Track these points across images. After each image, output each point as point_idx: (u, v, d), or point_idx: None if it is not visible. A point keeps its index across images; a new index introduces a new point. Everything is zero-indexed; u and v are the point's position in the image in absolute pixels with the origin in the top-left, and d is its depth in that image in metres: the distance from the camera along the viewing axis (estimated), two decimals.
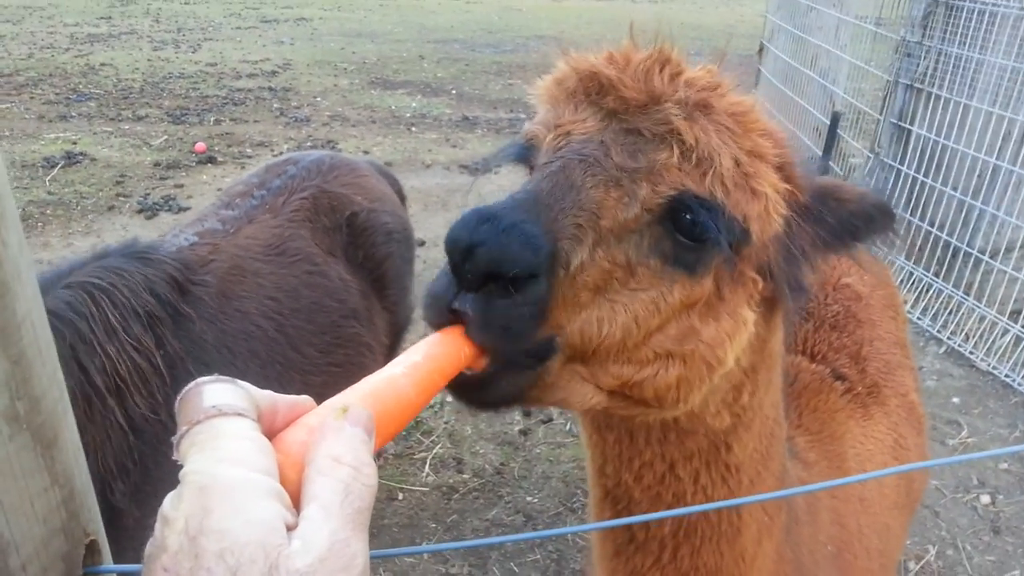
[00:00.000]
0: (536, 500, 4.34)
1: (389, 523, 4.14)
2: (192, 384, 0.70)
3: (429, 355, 0.95)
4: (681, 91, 1.14)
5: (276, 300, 2.88)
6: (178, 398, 0.70)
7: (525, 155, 1.29)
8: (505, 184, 9.19)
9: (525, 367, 1.05)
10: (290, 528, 0.61)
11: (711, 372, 1.18)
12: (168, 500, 0.62)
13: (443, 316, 1.01)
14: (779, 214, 1.19)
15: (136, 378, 2.33)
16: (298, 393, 0.78)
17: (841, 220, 1.30)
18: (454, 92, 13.73)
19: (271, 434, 0.72)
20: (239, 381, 0.72)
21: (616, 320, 1.07)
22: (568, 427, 4.92)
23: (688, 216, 1.10)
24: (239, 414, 0.67)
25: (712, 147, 1.11)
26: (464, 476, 4.50)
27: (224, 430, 0.65)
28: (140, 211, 7.80)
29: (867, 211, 1.31)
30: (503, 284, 0.98)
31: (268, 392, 0.74)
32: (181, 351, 2.52)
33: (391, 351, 3.61)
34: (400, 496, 4.33)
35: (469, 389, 1.06)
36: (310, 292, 2.99)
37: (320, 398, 0.79)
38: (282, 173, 3.35)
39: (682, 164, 1.10)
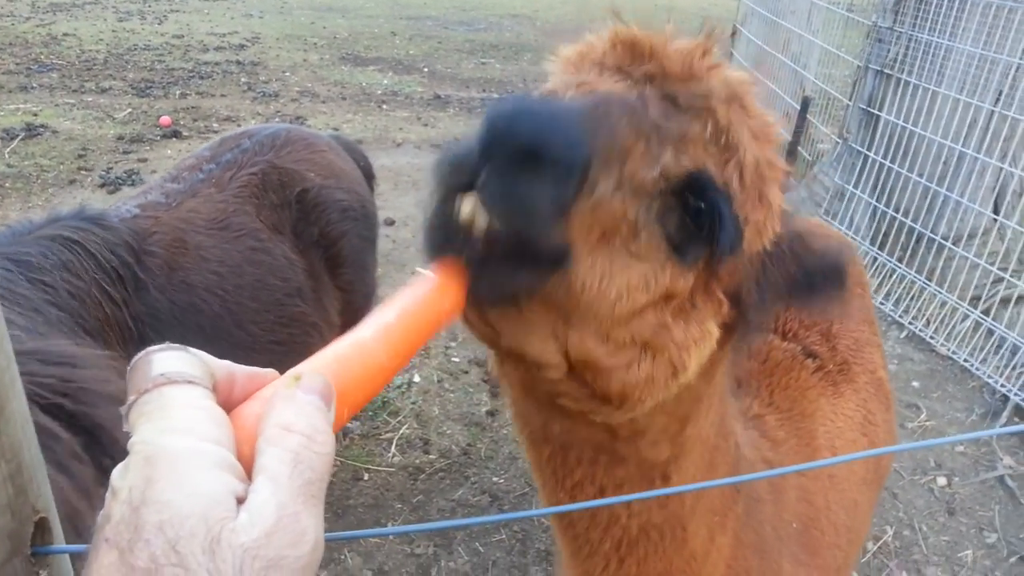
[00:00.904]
0: (502, 480, 4.35)
1: (354, 503, 4.13)
2: (142, 353, 0.67)
3: (404, 312, 0.88)
4: (721, 78, 1.12)
5: (219, 275, 2.84)
6: (128, 368, 0.67)
7: None
8: None
9: (530, 263, 0.95)
10: (242, 502, 0.59)
11: (675, 376, 1.14)
12: (116, 470, 0.60)
13: (460, 177, 0.91)
14: (772, 231, 1.17)
15: (117, 332, 2.37)
16: None
17: (803, 267, 1.27)
18: (426, 70, 13.59)
19: (228, 406, 0.69)
20: (192, 349, 0.69)
21: (613, 279, 1.02)
22: None
23: (698, 198, 1.07)
24: (190, 382, 0.65)
25: (741, 138, 1.09)
26: (431, 457, 4.49)
27: (173, 399, 0.63)
28: (102, 185, 7.64)
29: (822, 269, 1.28)
30: (531, 168, 0.89)
31: (225, 362, 0.71)
32: (143, 314, 2.53)
33: (344, 331, 3.57)
34: (366, 476, 4.32)
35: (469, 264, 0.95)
36: (254, 269, 2.94)
37: None
38: (235, 147, 3.27)
39: (709, 144, 1.08)
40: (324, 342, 3.21)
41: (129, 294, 2.53)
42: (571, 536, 1.45)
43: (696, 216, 1.07)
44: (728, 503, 1.51)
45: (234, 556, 0.54)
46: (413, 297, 0.91)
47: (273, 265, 3.02)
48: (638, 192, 1.03)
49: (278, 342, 2.96)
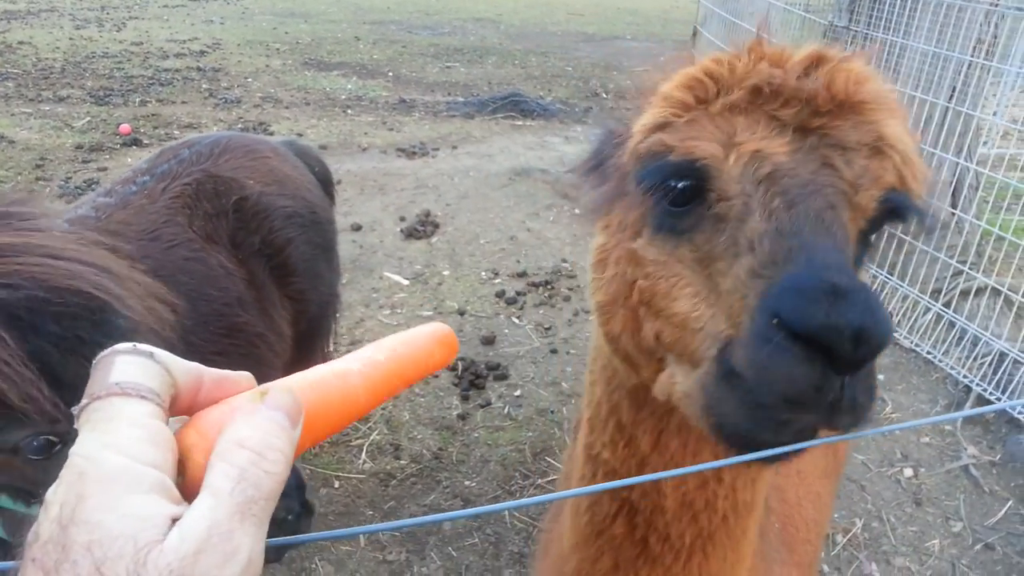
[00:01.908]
0: (474, 484, 4.34)
1: (325, 511, 4.08)
2: (109, 351, 0.65)
3: (395, 355, 0.88)
4: (864, 91, 1.10)
5: None
6: (94, 362, 0.65)
7: (682, 174, 1.10)
8: (444, 169, 9.14)
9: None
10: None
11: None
12: (52, 486, 0.58)
13: (823, 410, 0.92)
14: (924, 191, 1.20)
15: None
16: None
17: None
18: (391, 74, 13.54)
19: (192, 410, 0.68)
20: (159, 353, 0.67)
21: None
22: (506, 410, 4.92)
23: (887, 215, 1.11)
24: (142, 396, 0.63)
25: (908, 145, 1.10)
26: (401, 462, 4.46)
27: (120, 412, 0.61)
28: (61, 195, 7.50)
29: None
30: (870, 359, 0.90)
31: (195, 365, 0.70)
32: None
33: (300, 341, 3.51)
34: (336, 484, 4.28)
35: (830, 418, 0.97)
36: (188, 279, 2.86)
37: None
38: (172, 157, 3.19)
39: (889, 167, 1.08)
40: (273, 353, 3.15)
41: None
42: (638, 538, 1.35)
43: (885, 220, 1.13)
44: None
45: None
46: (408, 342, 0.93)
47: (208, 275, 2.94)
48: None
49: (220, 353, 2.90)
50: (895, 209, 1.10)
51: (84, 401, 0.63)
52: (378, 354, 0.87)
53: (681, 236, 1.10)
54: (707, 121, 1.10)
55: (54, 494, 0.57)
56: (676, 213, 1.11)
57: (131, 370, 0.64)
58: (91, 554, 0.53)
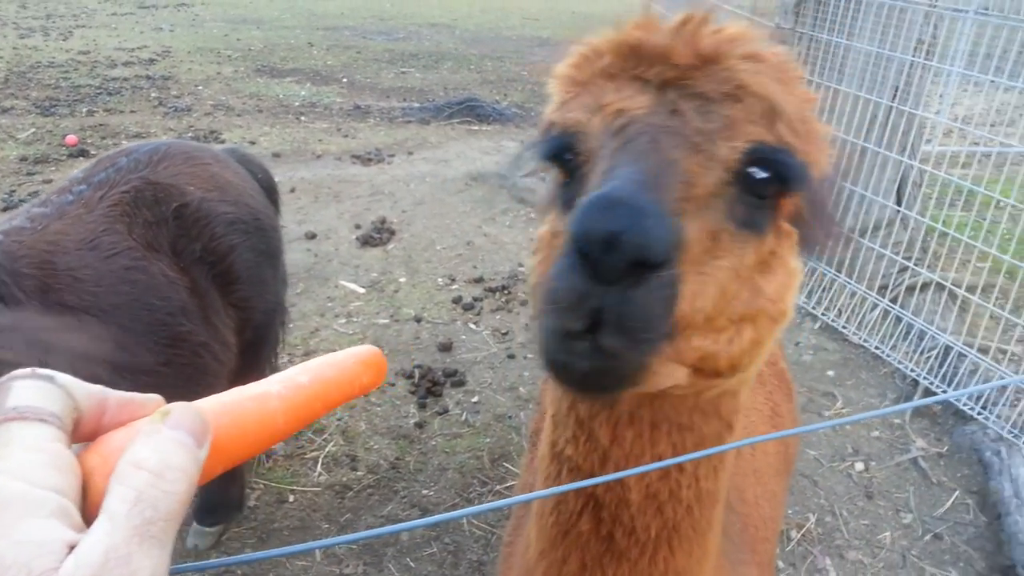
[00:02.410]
0: (432, 493, 4.32)
1: (280, 527, 4.03)
2: (6, 377, 0.64)
3: (318, 379, 0.87)
4: (733, 47, 1.11)
5: (95, 295, 2.72)
6: None
7: (563, 147, 1.16)
8: (400, 175, 9.08)
9: (647, 349, 0.96)
10: None
11: (776, 326, 1.16)
12: None
13: (584, 318, 0.91)
14: (828, 156, 1.20)
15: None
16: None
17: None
18: (345, 80, 13.44)
19: (97, 434, 0.66)
20: (59, 376, 0.65)
21: (707, 293, 1.03)
22: (464, 417, 4.91)
23: (761, 168, 1.08)
24: (41, 420, 0.61)
25: (777, 96, 1.10)
26: (358, 473, 4.42)
27: (17, 437, 0.59)
28: (5, 209, 7.31)
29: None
30: (644, 271, 0.90)
31: (98, 388, 0.68)
32: (27, 337, 2.40)
33: (246, 349, 3.46)
34: (291, 498, 4.22)
35: (587, 380, 0.98)
36: (130, 288, 2.82)
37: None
38: (110, 166, 3.13)
39: (753, 116, 1.08)
40: (218, 362, 3.11)
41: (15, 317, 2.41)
42: (604, 534, 1.35)
43: (761, 186, 1.08)
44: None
45: None
46: (335, 364, 0.91)
47: (150, 284, 2.90)
48: (708, 205, 1.04)
49: (165, 363, 2.85)
50: (765, 163, 1.08)
51: None
52: (302, 376, 0.85)
53: (570, 207, 1.12)
54: (583, 91, 1.15)
55: None
56: (567, 185, 1.16)
57: (29, 394, 0.63)
58: None
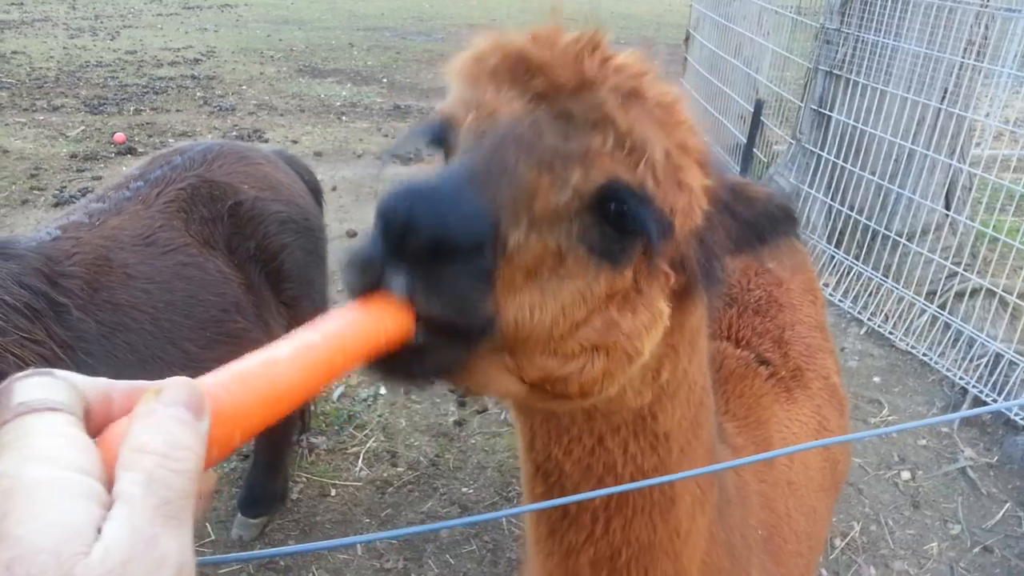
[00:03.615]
0: (471, 491, 4.33)
1: (322, 520, 4.07)
2: (5, 381, 0.63)
3: (333, 333, 0.83)
4: (613, 77, 1.10)
5: (147, 292, 2.74)
6: None
7: (440, 136, 1.19)
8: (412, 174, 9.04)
9: (463, 343, 0.99)
10: None
11: (631, 363, 1.17)
12: None
13: (371, 284, 0.93)
14: (700, 209, 1.18)
15: (49, 367, 2.25)
16: None
17: (749, 221, 1.30)
18: (385, 80, 13.55)
19: (106, 426, 0.65)
20: (59, 372, 0.65)
21: (546, 308, 1.04)
22: (503, 416, 4.91)
23: (617, 206, 1.07)
24: (52, 409, 0.61)
25: (645, 136, 1.08)
26: (398, 469, 4.45)
27: (33, 427, 0.59)
28: (56, 205, 7.49)
29: (772, 212, 1.32)
30: (447, 257, 0.92)
31: (101, 380, 0.68)
32: (70, 339, 2.43)
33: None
34: (333, 492, 4.26)
35: (393, 361, 0.97)
36: (185, 285, 2.85)
37: None
38: (165, 164, 3.18)
39: (615, 152, 1.07)
40: None
41: (50, 324, 2.41)
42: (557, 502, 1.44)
43: (618, 221, 1.08)
44: (709, 480, 1.51)
45: None
46: (346, 316, 0.88)
47: (206, 280, 2.92)
48: (554, 222, 1.05)
49: (218, 360, 2.88)
50: (620, 201, 1.07)
51: None
52: (313, 334, 0.82)
53: None
54: (469, 87, 1.16)
55: None
56: None
57: (35, 389, 0.62)
58: (12, 572, 0.50)
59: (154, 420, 0.62)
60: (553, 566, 1.48)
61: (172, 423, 0.62)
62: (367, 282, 0.93)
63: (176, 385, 0.65)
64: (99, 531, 0.54)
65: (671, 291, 1.21)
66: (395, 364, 0.97)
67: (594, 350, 1.11)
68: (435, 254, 0.91)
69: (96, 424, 0.65)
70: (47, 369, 0.65)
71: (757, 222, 1.31)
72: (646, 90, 1.13)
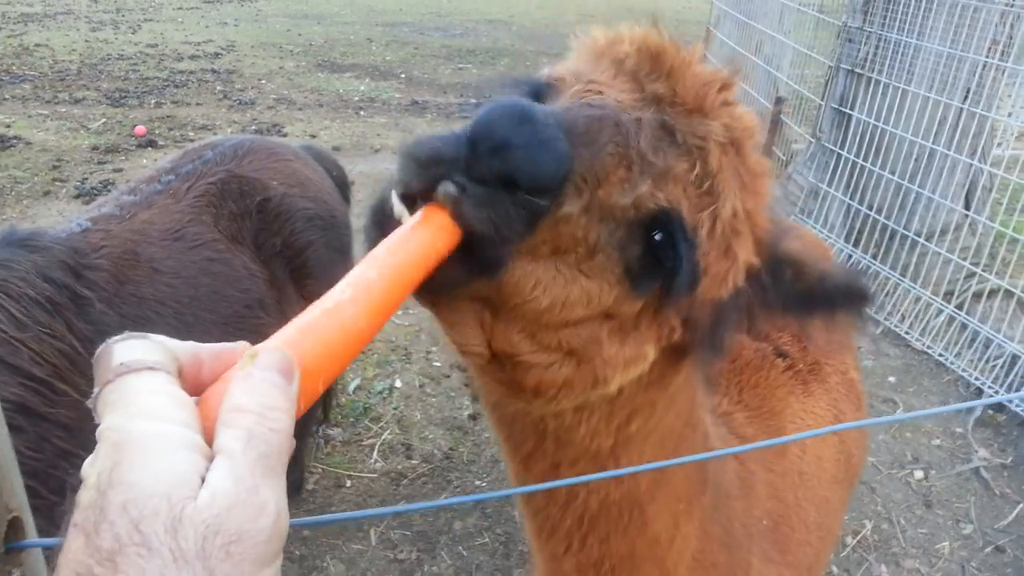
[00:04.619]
0: (485, 484, 4.36)
1: (337, 510, 4.12)
2: (103, 345, 0.67)
3: (389, 266, 0.83)
4: (727, 120, 1.09)
5: (173, 287, 2.77)
6: (93, 360, 0.67)
7: (538, 93, 1.16)
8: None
9: (466, 262, 0.95)
10: None
11: (593, 387, 1.14)
12: (87, 460, 0.60)
13: (428, 183, 0.90)
14: (734, 283, 1.14)
15: (67, 361, 2.28)
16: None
17: (795, 294, 1.24)
18: (403, 76, 13.59)
19: (198, 389, 0.69)
20: (152, 335, 0.69)
21: (549, 290, 1.02)
22: None
23: (662, 235, 1.05)
24: (151, 368, 0.65)
25: (725, 187, 1.07)
26: (413, 462, 4.49)
27: (136, 386, 0.63)
28: (77, 196, 7.58)
29: (828, 294, 1.25)
30: (511, 185, 0.91)
31: (190, 344, 0.71)
32: (91, 333, 2.46)
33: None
34: (348, 483, 4.31)
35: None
36: (210, 280, 2.88)
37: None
38: (196, 158, 3.22)
39: (691, 186, 1.05)
40: None
41: (71, 318, 2.44)
42: (533, 514, 1.44)
43: (658, 251, 1.06)
44: (694, 492, 1.50)
45: (196, 533, 0.54)
46: (399, 243, 0.87)
47: (232, 276, 2.95)
48: (606, 216, 1.03)
49: None
50: (666, 232, 1.04)
51: (95, 390, 0.64)
52: (369, 271, 0.82)
53: None
54: (586, 62, 1.16)
55: (91, 466, 0.59)
56: None
57: (133, 350, 0.66)
58: (127, 513, 0.54)
59: (251, 383, 0.66)
60: (545, 566, 1.50)
61: (267, 386, 0.66)
62: (426, 179, 0.91)
63: (270, 350, 0.69)
64: (202, 480, 0.58)
65: (668, 344, 1.18)
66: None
67: (570, 354, 1.09)
68: (508, 182, 0.90)
69: (188, 384, 0.69)
70: (141, 333, 0.69)
71: (804, 298, 1.25)
72: (748, 149, 1.12)
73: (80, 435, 2.25)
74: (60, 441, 2.21)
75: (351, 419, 4.79)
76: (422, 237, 0.88)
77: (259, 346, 0.71)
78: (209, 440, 0.63)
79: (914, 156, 6.14)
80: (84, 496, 0.57)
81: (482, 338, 1.08)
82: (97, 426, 0.62)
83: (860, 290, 1.26)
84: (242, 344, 0.73)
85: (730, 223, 1.09)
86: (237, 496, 0.57)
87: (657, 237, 1.05)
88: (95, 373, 0.66)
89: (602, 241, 1.03)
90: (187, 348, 0.70)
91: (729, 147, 1.08)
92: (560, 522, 1.40)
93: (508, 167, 0.88)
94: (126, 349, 0.66)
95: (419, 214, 0.91)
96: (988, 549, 4.10)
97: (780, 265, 1.23)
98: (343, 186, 3.96)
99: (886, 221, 6.24)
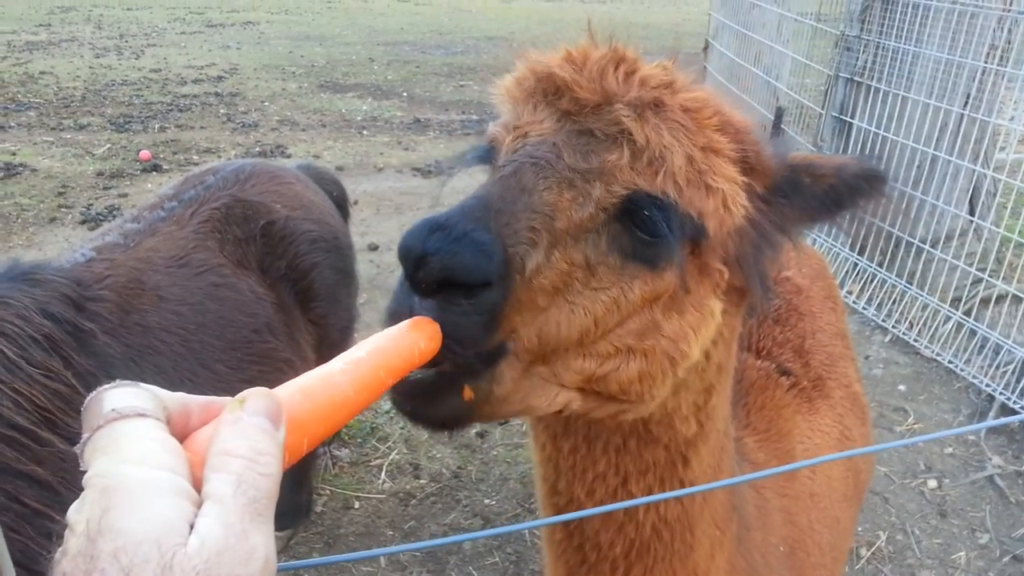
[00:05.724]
0: (494, 502, 4.34)
1: (345, 532, 4.10)
2: (94, 392, 0.68)
3: (376, 350, 0.92)
4: (634, 90, 1.14)
5: (179, 315, 2.74)
6: (83, 408, 0.67)
7: (488, 158, 1.28)
8: (461, 187, 9.11)
9: (474, 371, 1.04)
10: None
11: (674, 366, 1.18)
12: (73, 506, 0.60)
13: (403, 310, 1.01)
14: (739, 207, 1.19)
15: (60, 403, 2.22)
16: None
17: (819, 195, 1.31)
18: (405, 94, 13.66)
19: (184, 436, 0.70)
20: (142, 384, 0.70)
21: (574, 320, 1.07)
22: (525, 427, 4.92)
23: (644, 213, 1.11)
24: (140, 415, 0.65)
25: (663, 145, 1.11)
26: (421, 481, 4.47)
27: (125, 432, 0.64)
28: (83, 222, 7.62)
29: (848, 182, 1.32)
30: (458, 291, 0.98)
31: (180, 394, 0.72)
32: (92, 367, 2.40)
33: (319, 366, 3.50)
34: (356, 504, 4.29)
35: (415, 399, 1.05)
36: (217, 306, 2.86)
37: None
38: (198, 184, 3.21)
39: (634, 164, 1.10)
40: None
41: (70, 354, 2.36)
42: (575, 545, 1.42)
43: (649, 227, 1.11)
44: (727, 518, 1.52)
45: None
46: (387, 335, 0.96)
47: (238, 301, 2.94)
48: (580, 235, 1.08)
49: (248, 381, 2.83)
50: (641, 211, 1.10)
51: (85, 436, 0.64)
52: (359, 352, 0.90)
53: None
54: (513, 107, 1.23)
55: (78, 512, 0.58)
56: None
57: (123, 397, 0.67)
58: (118, 561, 0.54)
59: (240, 427, 0.67)
60: None
61: (256, 431, 0.67)
62: (397, 309, 1.01)
63: (258, 396, 0.70)
64: (191, 526, 0.58)
65: (726, 287, 1.23)
66: (419, 406, 1.05)
67: (628, 351, 1.14)
68: (447, 287, 0.98)
69: (175, 433, 0.69)
70: (131, 381, 0.70)
71: (830, 195, 1.31)
72: (668, 99, 1.15)
73: (57, 495, 2.11)
74: (32, 500, 2.08)
75: (358, 439, 4.77)
76: (407, 335, 0.98)
77: (247, 391, 0.72)
78: (197, 482, 0.63)
79: (916, 163, 6.13)
80: (72, 543, 0.57)
81: (556, 386, 1.15)
82: (84, 474, 0.62)
83: (874, 171, 1.35)
84: (226, 399, 0.74)
85: (690, 168, 1.13)
86: (227, 542, 0.58)
87: (644, 214, 1.11)
88: (84, 420, 0.66)
89: (594, 255, 1.09)
90: (176, 398, 0.71)
91: (647, 111, 1.13)
92: (609, 549, 1.39)
93: (434, 273, 0.96)
94: (117, 396, 0.67)
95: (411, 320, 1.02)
96: (1006, 559, 4.05)
97: (795, 174, 1.29)
98: (342, 204, 3.96)
99: (891, 229, 6.22)
